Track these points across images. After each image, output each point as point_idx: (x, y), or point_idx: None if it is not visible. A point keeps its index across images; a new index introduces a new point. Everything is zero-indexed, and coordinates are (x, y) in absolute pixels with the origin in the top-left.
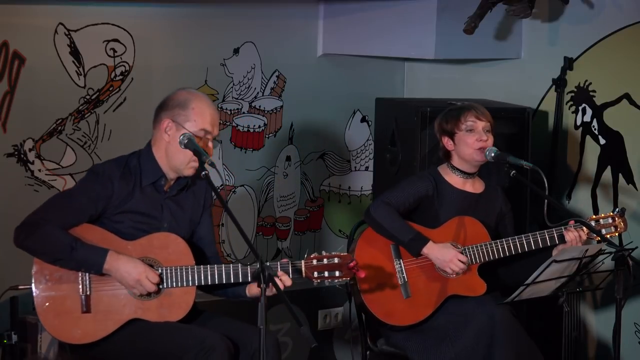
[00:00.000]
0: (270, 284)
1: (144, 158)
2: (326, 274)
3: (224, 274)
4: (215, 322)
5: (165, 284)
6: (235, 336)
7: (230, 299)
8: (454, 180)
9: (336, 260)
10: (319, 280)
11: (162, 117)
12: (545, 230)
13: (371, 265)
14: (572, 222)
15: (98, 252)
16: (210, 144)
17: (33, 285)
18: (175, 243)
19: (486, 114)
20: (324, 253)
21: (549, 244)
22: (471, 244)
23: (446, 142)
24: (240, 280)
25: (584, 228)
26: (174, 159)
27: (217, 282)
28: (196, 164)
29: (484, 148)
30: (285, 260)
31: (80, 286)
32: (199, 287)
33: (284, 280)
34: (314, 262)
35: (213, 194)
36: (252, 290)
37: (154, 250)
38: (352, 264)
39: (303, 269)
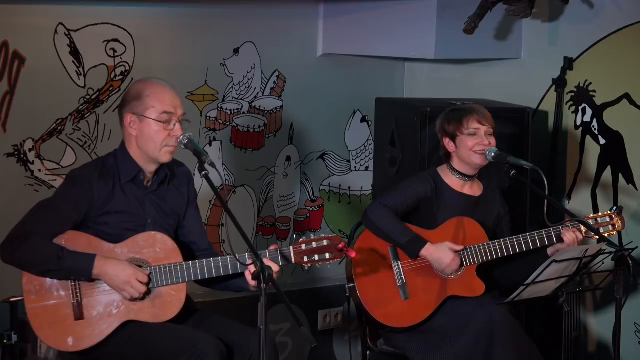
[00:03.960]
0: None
1: (120, 156)
2: (316, 257)
3: (213, 268)
4: (210, 322)
5: (155, 282)
6: (229, 339)
7: (233, 291)
8: (453, 182)
9: (325, 242)
10: (309, 265)
11: (124, 114)
12: (543, 230)
13: (369, 267)
14: (568, 222)
15: (85, 258)
16: (177, 126)
17: (24, 298)
18: (162, 241)
19: (488, 118)
20: (312, 236)
21: (547, 243)
22: (469, 245)
23: (447, 143)
24: (230, 273)
25: (581, 228)
26: (147, 148)
27: (207, 277)
28: (170, 148)
29: (484, 151)
30: (273, 247)
31: (71, 294)
32: (200, 284)
33: (272, 266)
34: (303, 246)
35: (197, 188)
36: (252, 281)
37: (141, 250)
38: (341, 245)
39: (292, 255)
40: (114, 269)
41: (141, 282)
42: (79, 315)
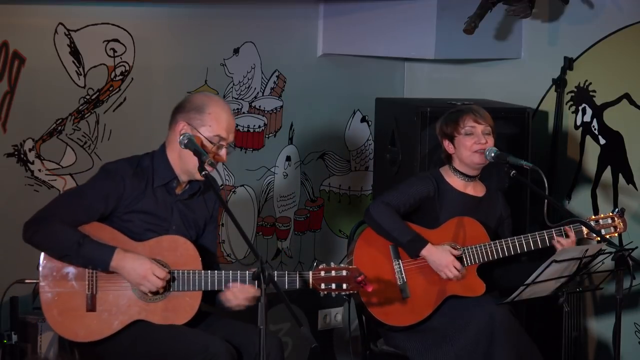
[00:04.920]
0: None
1: (157, 159)
2: (333, 286)
3: (231, 279)
4: (219, 325)
5: (171, 287)
6: (237, 340)
7: (218, 308)
8: (456, 182)
9: (344, 272)
10: (325, 292)
11: (178, 119)
12: (544, 231)
13: (370, 266)
14: (566, 227)
15: (105, 249)
16: (224, 150)
17: (40, 280)
18: (184, 247)
19: (485, 117)
20: (332, 265)
21: (547, 244)
22: (470, 245)
23: (447, 145)
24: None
25: (582, 229)
26: (188, 163)
27: (223, 288)
28: (209, 169)
29: (483, 150)
30: (293, 272)
31: (87, 284)
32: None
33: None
34: (322, 273)
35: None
36: (224, 295)
37: (163, 252)
38: (360, 278)
39: (310, 280)
40: (132, 262)
41: (158, 277)
42: (90, 306)
